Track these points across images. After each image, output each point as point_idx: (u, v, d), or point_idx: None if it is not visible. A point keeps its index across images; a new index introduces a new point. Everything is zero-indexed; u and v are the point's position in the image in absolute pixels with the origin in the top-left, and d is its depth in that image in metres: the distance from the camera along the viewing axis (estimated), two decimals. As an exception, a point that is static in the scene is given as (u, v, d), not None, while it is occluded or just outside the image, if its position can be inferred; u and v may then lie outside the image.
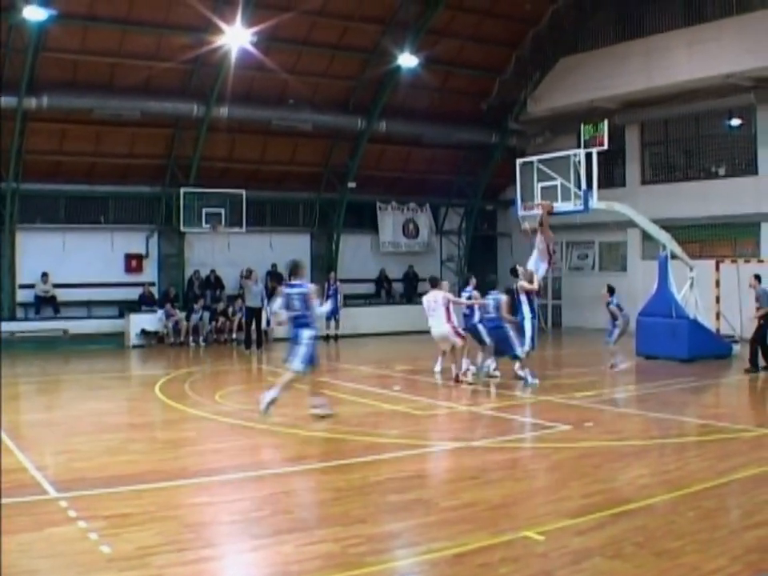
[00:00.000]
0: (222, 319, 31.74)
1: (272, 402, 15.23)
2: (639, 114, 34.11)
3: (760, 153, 31.11)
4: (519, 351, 20.09)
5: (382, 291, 38.32)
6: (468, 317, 21.76)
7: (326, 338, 32.50)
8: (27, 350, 28.30)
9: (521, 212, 25.08)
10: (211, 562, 8.29)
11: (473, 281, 22.75)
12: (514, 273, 21.65)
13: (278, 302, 15.74)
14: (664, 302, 24.35)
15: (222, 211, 33.27)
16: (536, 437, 14.12)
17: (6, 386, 20.42)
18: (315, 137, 34.95)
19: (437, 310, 20.61)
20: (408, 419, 16.10)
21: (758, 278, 22.36)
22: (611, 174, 35.18)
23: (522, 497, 10.55)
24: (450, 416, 16.86)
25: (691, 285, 25.45)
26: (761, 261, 28.00)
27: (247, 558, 8.45)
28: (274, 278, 33.96)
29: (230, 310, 31.82)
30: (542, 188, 23.90)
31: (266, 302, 28.93)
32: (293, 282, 15.85)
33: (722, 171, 32.72)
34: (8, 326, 29.55)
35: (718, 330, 26.40)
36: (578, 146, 24.15)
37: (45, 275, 31.12)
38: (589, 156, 23.02)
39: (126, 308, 31.72)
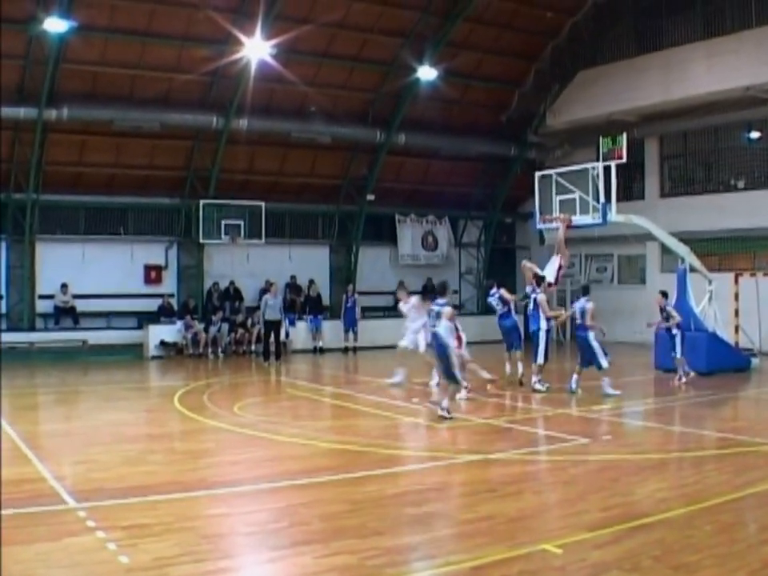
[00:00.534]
0: (240, 331, 31.79)
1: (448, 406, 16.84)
2: (658, 127, 34.05)
3: (779, 165, 31.06)
4: (605, 362, 20.01)
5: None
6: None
7: (345, 350, 32.59)
8: (46, 361, 28.40)
9: (539, 224, 25.12)
10: (228, 573, 8.31)
11: (495, 286, 22.88)
12: (586, 291, 21.38)
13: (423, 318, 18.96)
14: (683, 315, 24.26)
15: (241, 223, 33.30)
16: (554, 450, 14.08)
17: (25, 396, 20.61)
18: (334, 149, 35.00)
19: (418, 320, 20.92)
20: (426, 432, 16.10)
21: None
22: (630, 187, 35.18)
23: (539, 510, 10.54)
24: (468, 429, 16.80)
25: (710, 298, 25.37)
26: (780, 274, 27.93)
27: (264, 569, 8.48)
28: (293, 290, 34.07)
29: (249, 321, 31.85)
30: (561, 201, 23.92)
31: (283, 314, 28.97)
32: (439, 301, 17.62)
33: (741, 184, 32.64)
34: (27, 337, 29.72)
35: (736, 344, 26.30)
36: (597, 159, 24.15)
37: (64, 286, 31.22)
38: (607, 169, 23.01)
39: (145, 319, 31.79)
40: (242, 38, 27.28)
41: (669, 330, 22.15)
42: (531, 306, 21.86)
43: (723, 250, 31.64)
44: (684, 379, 21.65)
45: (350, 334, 32.89)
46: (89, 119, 29.72)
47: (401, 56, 32.51)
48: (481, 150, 37.22)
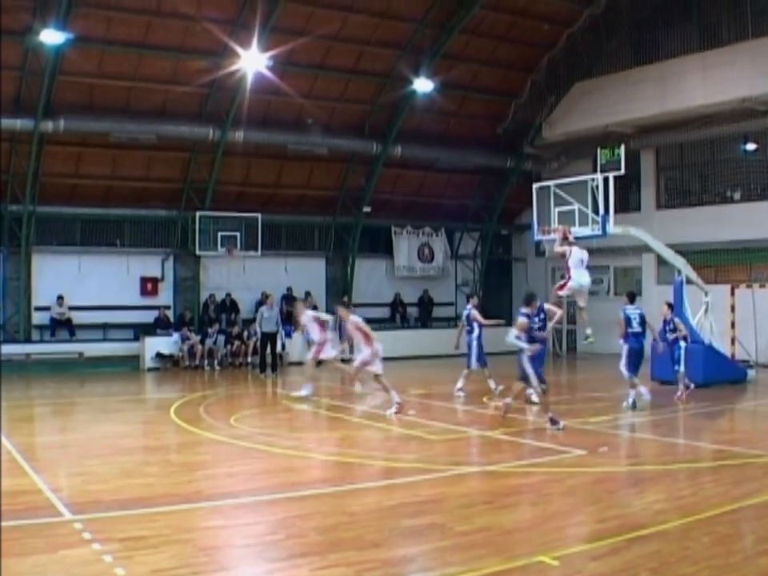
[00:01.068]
0: (237, 343, 31.76)
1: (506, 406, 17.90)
2: (654, 139, 34.08)
3: (775, 177, 31.09)
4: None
5: (397, 315, 38.31)
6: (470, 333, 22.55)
7: (342, 362, 32.46)
8: (42, 373, 28.41)
9: (537, 236, 25.15)
10: (225, 585, 8.30)
11: (474, 300, 23.44)
12: (631, 297, 21.18)
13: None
14: (679, 327, 24.31)
15: (238, 235, 33.35)
16: (551, 461, 14.04)
17: (21, 408, 20.55)
18: (331, 161, 35.05)
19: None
20: (423, 444, 16.06)
21: None
22: (626, 199, 35.25)
23: (536, 521, 10.51)
24: (465, 440, 16.80)
25: (706, 310, 25.37)
26: (776, 286, 27.95)
27: (261, 581, 8.46)
28: (290, 302, 34.00)
29: (246, 333, 31.83)
30: (559, 212, 23.95)
31: (280, 326, 28.93)
32: (522, 310, 17.82)
33: (737, 196, 32.68)
34: (23, 349, 29.72)
35: (733, 355, 26.30)
36: (593, 171, 24.26)
37: (60, 298, 31.22)
38: (605, 180, 23.03)
39: (141, 331, 31.74)
40: (239, 49, 27.33)
41: (676, 340, 21.88)
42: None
43: (719, 262, 31.63)
44: (685, 394, 21.48)
45: (347, 346, 32.78)
46: (85, 131, 29.79)
47: (397, 68, 32.58)
48: (477, 161, 37.25)
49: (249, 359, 31.41)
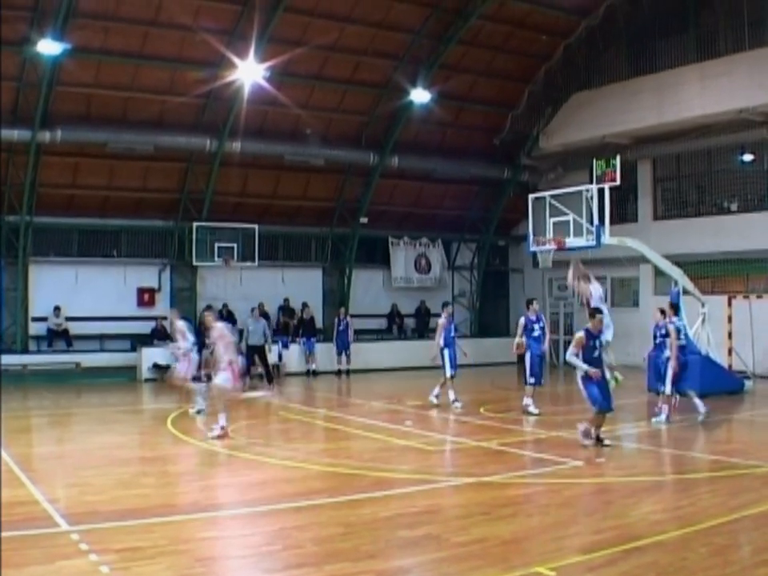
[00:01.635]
0: (233, 353, 31.65)
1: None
2: (651, 150, 34.09)
3: (773, 188, 31.10)
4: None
5: (394, 326, 38.28)
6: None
7: (338, 372, 32.47)
8: (39, 383, 28.34)
9: (533, 247, 25.15)
10: (221, 596, 8.28)
11: (449, 308, 23.92)
12: (665, 311, 20.52)
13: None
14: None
15: (235, 246, 33.35)
16: (547, 472, 14.04)
17: (18, 419, 20.51)
18: (327, 172, 35.05)
19: None
20: (419, 454, 16.05)
21: None
22: (623, 210, 35.26)
23: (533, 532, 10.50)
24: (461, 451, 16.80)
25: (703, 320, 25.36)
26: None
27: (257, 592, 8.45)
28: (286, 313, 34.00)
29: (242, 345, 31.74)
30: (555, 223, 23.96)
31: (269, 338, 28.63)
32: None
33: (734, 207, 32.64)
34: (20, 359, 29.69)
35: (730, 366, 26.32)
36: (590, 182, 24.18)
37: (57, 308, 31.21)
38: (601, 191, 23.04)
39: (138, 341, 31.68)
40: (236, 60, 27.30)
41: (664, 346, 21.16)
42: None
43: (716, 273, 31.57)
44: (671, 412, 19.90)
45: (343, 357, 32.77)
46: (82, 141, 29.79)
47: (394, 79, 32.60)
48: (474, 172, 37.23)
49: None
